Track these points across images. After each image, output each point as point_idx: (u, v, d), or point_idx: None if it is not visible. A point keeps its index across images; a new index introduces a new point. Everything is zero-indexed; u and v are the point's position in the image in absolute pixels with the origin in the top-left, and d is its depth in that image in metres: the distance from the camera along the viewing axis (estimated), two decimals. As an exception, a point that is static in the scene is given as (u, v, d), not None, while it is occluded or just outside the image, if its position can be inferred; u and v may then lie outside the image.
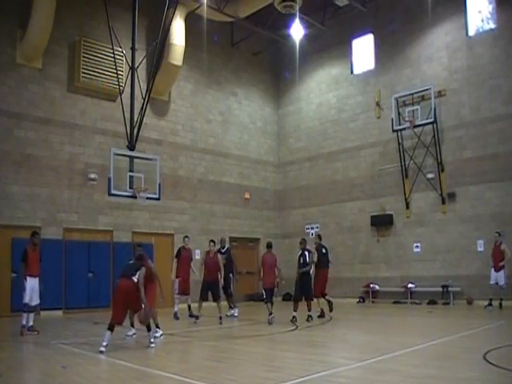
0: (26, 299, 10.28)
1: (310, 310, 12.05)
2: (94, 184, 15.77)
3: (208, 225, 19.04)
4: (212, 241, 12.52)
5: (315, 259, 12.32)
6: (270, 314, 11.65)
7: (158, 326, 9.55)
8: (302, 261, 12.01)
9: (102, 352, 7.77)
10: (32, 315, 10.57)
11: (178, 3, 15.83)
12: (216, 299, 12.16)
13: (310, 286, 12.13)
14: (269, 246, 12.29)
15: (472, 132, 16.49)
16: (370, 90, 19.27)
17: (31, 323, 10.42)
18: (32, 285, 10.40)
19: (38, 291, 10.50)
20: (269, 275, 11.88)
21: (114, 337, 9.30)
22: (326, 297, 12.98)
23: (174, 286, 13.17)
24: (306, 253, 12.05)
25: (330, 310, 12.95)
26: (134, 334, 9.71)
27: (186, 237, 13.69)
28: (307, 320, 11.80)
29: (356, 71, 20.03)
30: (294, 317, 11.67)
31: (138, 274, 8.39)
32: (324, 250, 13.01)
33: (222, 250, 13.55)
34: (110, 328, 8.07)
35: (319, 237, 13.57)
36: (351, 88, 19.94)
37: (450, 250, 16.58)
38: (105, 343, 7.91)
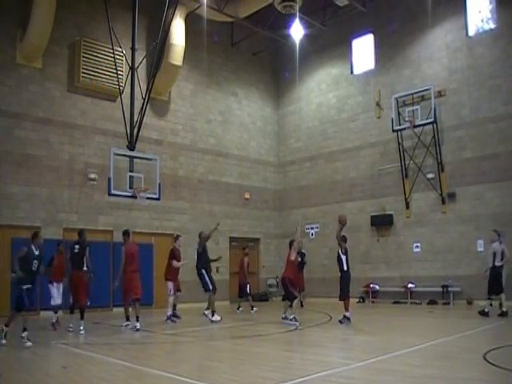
0: (53, 301, 11.43)
1: (347, 310, 11.45)
2: (94, 184, 15.77)
3: (208, 225, 18.98)
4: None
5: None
6: None
7: (137, 320, 10.67)
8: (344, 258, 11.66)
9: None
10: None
11: (178, 3, 15.83)
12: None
13: (347, 286, 11.64)
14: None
15: (472, 132, 16.49)
16: (370, 89, 19.27)
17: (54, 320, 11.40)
18: (58, 288, 11.57)
19: (61, 293, 11.67)
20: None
21: (113, 337, 9.33)
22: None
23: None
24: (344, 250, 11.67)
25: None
26: (127, 325, 11.12)
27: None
28: (340, 322, 11.33)
29: (356, 71, 20.02)
30: (344, 316, 11.41)
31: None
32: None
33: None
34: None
35: None
36: (351, 88, 19.94)
37: (450, 250, 16.58)
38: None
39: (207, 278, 12.16)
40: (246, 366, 6.99)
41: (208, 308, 12.15)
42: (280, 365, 7.07)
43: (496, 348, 7.60)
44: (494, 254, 12.89)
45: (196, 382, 5.86)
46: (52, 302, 11.44)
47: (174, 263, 12.57)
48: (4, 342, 8.70)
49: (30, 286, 8.96)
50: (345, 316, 11.41)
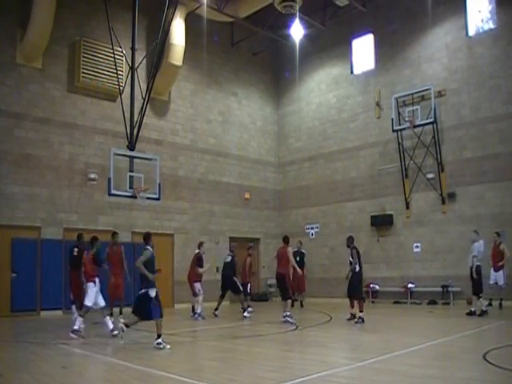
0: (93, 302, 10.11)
1: (361, 311, 11.57)
2: (94, 184, 15.76)
3: (208, 225, 19.04)
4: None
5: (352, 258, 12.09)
6: None
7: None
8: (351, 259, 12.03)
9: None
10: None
11: (178, 3, 15.82)
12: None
13: (356, 285, 11.92)
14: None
15: (472, 132, 16.49)
16: (369, 90, 19.27)
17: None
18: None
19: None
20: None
21: (114, 337, 9.31)
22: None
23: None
24: (353, 251, 11.99)
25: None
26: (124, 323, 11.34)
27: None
28: (356, 322, 11.49)
29: (356, 71, 20.02)
30: (351, 314, 11.80)
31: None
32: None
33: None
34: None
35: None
36: (351, 88, 19.93)
37: (449, 250, 16.57)
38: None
39: (239, 283, 14.11)
40: (245, 366, 7.00)
41: (243, 308, 13.66)
42: (280, 365, 7.08)
43: (496, 348, 7.60)
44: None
45: (196, 382, 5.86)
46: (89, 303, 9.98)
47: (199, 270, 13.58)
48: (122, 342, 8.48)
49: (156, 289, 8.47)
50: (360, 317, 11.54)
